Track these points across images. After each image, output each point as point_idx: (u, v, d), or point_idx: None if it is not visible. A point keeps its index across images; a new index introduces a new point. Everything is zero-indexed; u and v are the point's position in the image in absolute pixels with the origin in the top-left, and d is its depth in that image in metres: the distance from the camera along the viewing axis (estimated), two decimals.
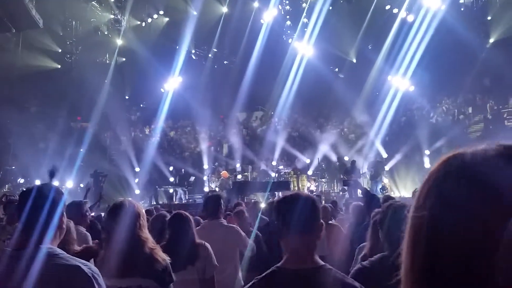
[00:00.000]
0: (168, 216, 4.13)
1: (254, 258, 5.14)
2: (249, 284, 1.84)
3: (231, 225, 4.82)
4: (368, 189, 8.47)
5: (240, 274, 4.64)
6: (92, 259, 3.69)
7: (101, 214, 6.28)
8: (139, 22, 23.49)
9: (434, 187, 0.69)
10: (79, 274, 1.89)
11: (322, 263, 1.86)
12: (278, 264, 1.85)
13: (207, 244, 3.78)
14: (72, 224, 3.92)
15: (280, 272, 1.83)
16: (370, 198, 5.28)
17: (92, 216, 6.27)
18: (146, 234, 2.85)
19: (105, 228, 2.89)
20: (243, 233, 4.68)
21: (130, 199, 3.00)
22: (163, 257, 2.81)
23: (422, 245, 0.68)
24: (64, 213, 2.12)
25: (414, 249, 0.70)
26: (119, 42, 22.92)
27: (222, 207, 4.77)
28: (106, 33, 23.43)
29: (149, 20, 23.26)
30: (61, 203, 2.06)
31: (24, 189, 2.12)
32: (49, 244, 1.96)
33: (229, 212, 6.13)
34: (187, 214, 3.89)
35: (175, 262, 3.01)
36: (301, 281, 1.76)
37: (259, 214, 6.67)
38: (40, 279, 1.84)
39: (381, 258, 2.51)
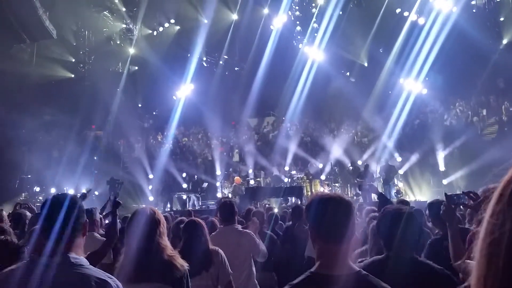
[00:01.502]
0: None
1: (270, 259, 5.15)
2: None
3: (246, 230, 4.83)
4: (382, 192, 8.40)
5: (255, 278, 4.66)
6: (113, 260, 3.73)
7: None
8: (150, 31, 23.75)
9: None
10: None
11: (357, 268, 1.81)
12: (312, 269, 1.79)
13: (221, 251, 3.79)
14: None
15: (315, 278, 1.77)
16: (384, 202, 5.24)
17: (107, 223, 6.33)
18: (165, 241, 2.89)
19: (126, 233, 2.93)
20: (257, 239, 4.69)
21: (151, 206, 3.04)
22: (182, 264, 2.84)
23: (501, 257, 0.60)
24: (87, 220, 2.14)
25: (491, 259, 0.62)
26: (131, 51, 23.19)
27: (236, 212, 4.83)
28: (118, 42, 23.72)
29: (161, 29, 23.51)
30: (81, 212, 2.08)
31: (44, 200, 2.15)
32: (73, 253, 1.97)
33: (241, 219, 6.13)
34: (200, 221, 3.93)
35: (191, 267, 3.03)
36: (337, 287, 1.70)
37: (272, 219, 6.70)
38: (64, 287, 1.85)
39: (373, 262, 2.51)
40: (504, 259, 0.60)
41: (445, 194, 3.08)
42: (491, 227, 0.63)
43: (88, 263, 2.00)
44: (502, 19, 19.01)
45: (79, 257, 1.98)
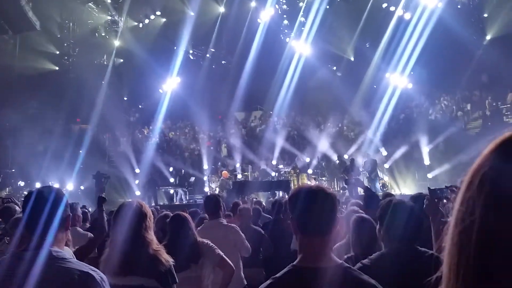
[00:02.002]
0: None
1: (259, 254, 5.19)
2: (266, 283, 1.76)
3: (231, 224, 4.88)
4: (369, 186, 8.49)
5: (242, 272, 4.71)
6: (98, 254, 3.73)
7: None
8: (136, 23, 23.48)
9: (488, 178, 0.61)
10: (90, 280, 1.91)
11: (340, 261, 1.82)
12: (294, 263, 1.79)
13: (208, 241, 3.83)
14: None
15: (297, 271, 1.77)
16: (370, 196, 5.31)
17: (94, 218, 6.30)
18: (151, 235, 2.89)
19: (112, 226, 2.92)
20: (242, 234, 4.74)
21: (138, 200, 3.03)
22: (167, 259, 2.85)
23: (472, 245, 0.60)
24: (70, 214, 2.14)
25: (462, 247, 0.62)
26: (117, 43, 22.90)
27: (222, 207, 4.88)
28: (103, 34, 23.41)
29: (146, 21, 23.25)
30: (64, 204, 2.07)
31: (27, 192, 2.14)
32: (55, 247, 1.96)
33: (228, 213, 6.17)
34: (186, 214, 3.95)
35: (179, 262, 3.05)
36: (320, 279, 1.70)
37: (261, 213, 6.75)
38: (46, 281, 1.84)
39: (381, 256, 2.52)
40: (475, 246, 0.60)
41: (429, 188, 3.11)
42: (461, 215, 0.63)
43: (71, 257, 2.00)
44: (486, 15, 19.25)
45: (61, 250, 1.98)
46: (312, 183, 16.64)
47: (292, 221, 1.84)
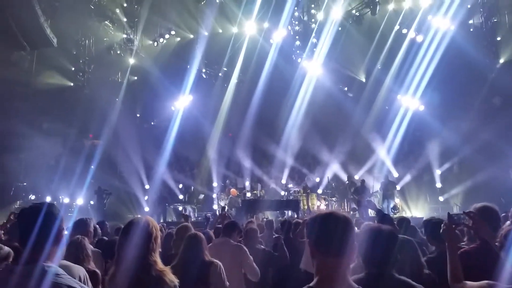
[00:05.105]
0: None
1: (266, 275, 5.14)
2: None
3: (239, 244, 4.93)
4: (380, 208, 8.42)
5: None
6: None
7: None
8: (151, 42, 23.86)
9: None
10: None
11: (356, 285, 1.84)
12: (311, 284, 1.82)
13: (219, 263, 3.83)
14: (86, 241, 3.95)
15: None
16: (381, 217, 5.27)
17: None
18: (156, 255, 2.82)
19: (117, 245, 2.86)
20: (250, 257, 4.74)
21: (148, 217, 2.96)
22: (171, 279, 2.78)
23: None
24: (64, 230, 2.15)
25: None
26: (131, 61, 23.26)
27: (236, 229, 5.16)
28: (118, 52, 23.77)
29: (161, 40, 23.62)
30: (57, 220, 2.08)
31: (23, 208, 2.16)
32: (44, 261, 1.98)
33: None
34: (200, 234, 3.98)
35: (187, 281, 3.02)
36: None
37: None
38: None
39: (357, 280, 2.49)
40: None
41: (448, 213, 3.06)
42: None
43: (62, 272, 2.00)
44: (499, 38, 19.24)
45: (52, 265, 2.00)
46: (322, 203, 16.55)
47: (309, 243, 1.88)
